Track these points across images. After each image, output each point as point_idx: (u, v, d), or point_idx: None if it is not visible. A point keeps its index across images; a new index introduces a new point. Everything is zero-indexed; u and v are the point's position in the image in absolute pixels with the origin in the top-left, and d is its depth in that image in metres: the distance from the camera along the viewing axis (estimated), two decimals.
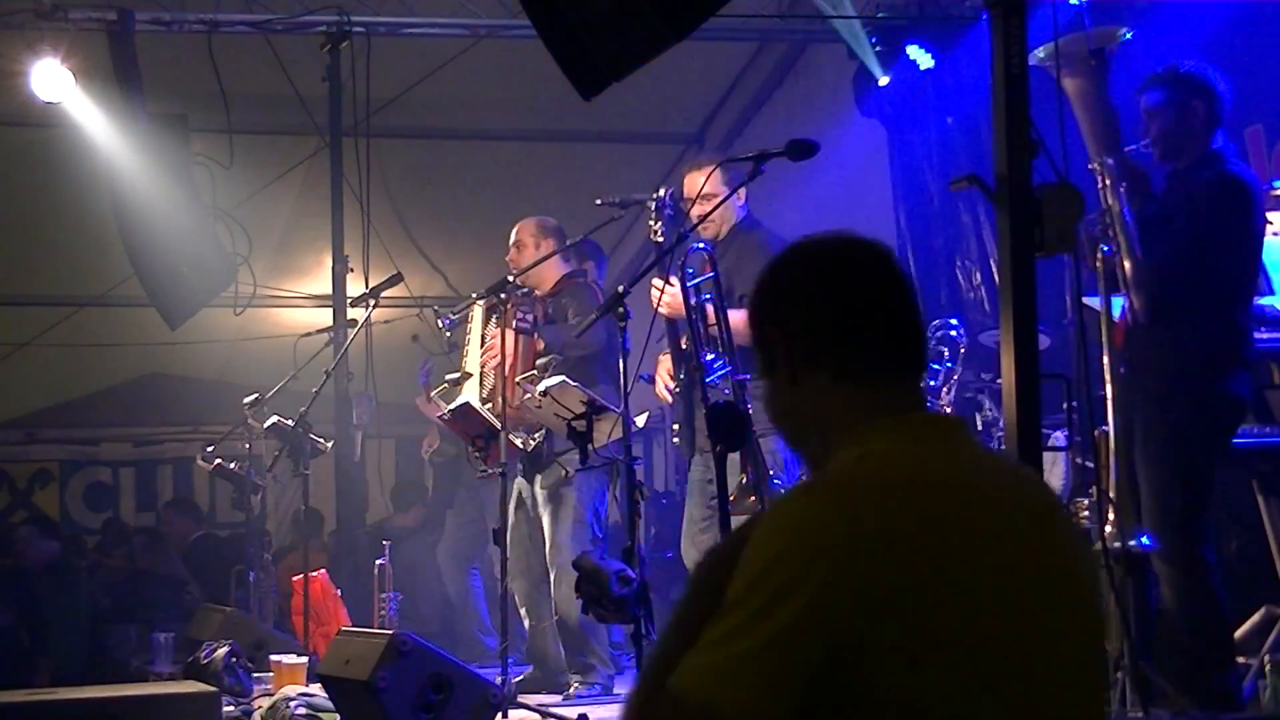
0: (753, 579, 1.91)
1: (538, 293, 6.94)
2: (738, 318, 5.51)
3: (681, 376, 5.86)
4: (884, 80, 8.48)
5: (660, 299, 5.66)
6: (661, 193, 5.55)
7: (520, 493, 6.87)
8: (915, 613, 1.88)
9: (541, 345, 6.69)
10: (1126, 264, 4.93)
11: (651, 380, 6.34)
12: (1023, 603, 1.97)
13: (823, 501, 1.95)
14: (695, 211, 5.66)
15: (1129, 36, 5.32)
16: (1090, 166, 5.04)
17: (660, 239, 5.45)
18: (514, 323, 6.54)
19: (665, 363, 5.97)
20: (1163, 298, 4.94)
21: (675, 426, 6.17)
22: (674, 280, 5.49)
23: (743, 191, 5.99)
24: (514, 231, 7.02)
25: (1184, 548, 4.94)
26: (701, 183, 5.68)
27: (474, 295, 6.83)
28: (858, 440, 2.07)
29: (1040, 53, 4.82)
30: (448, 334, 6.93)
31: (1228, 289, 5.04)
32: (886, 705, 1.88)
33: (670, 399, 5.97)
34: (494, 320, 6.73)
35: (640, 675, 2.07)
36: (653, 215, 5.51)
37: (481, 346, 6.88)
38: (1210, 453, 5.01)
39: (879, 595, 1.87)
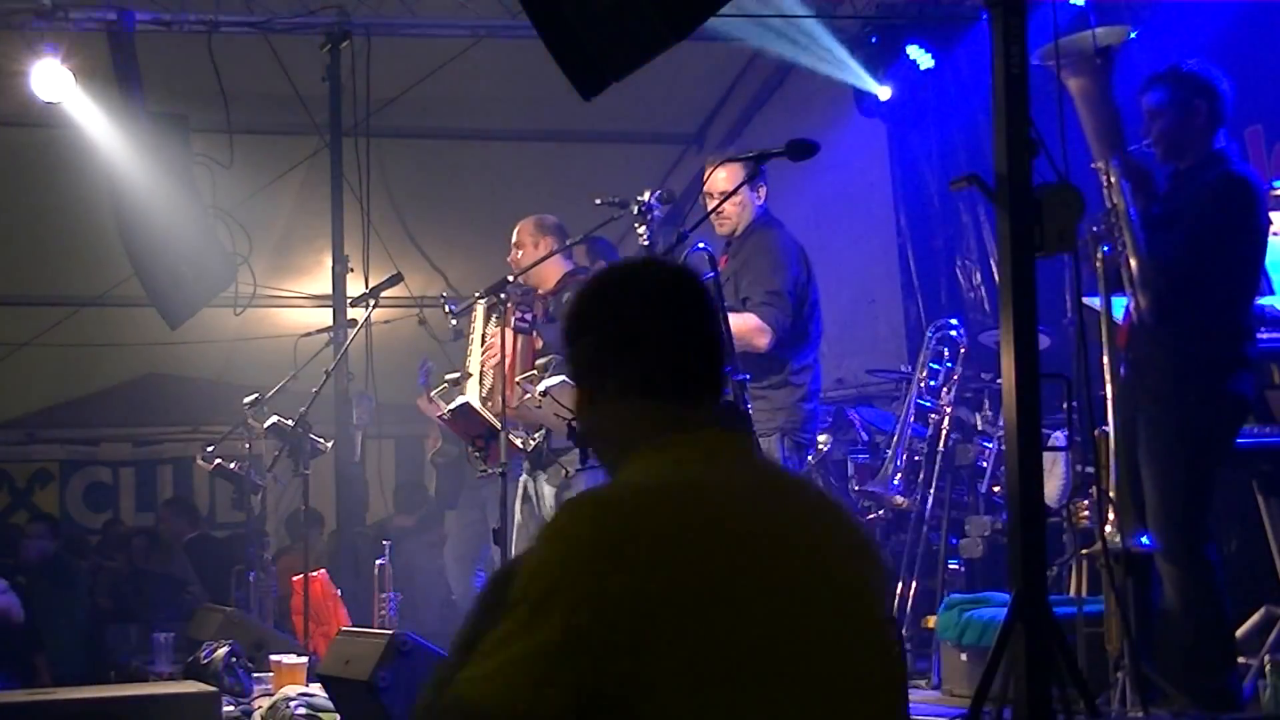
0: (523, 588, 2.01)
1: (540, 291, 6.94)
2: (737, 320, 5.52)
3: None
4: (886, 94, 8.48)
5: None
6: (646, 196, 5.55)
7: (526, 489, 6.87)
8: (670, 618, 1.96)
9: (540, 344, 6.69)
10: (1133, 263, 4.93)
11: None
12: (781, 611, 2.03)
13: (583, 514, 2.04)
14: (711, 207, 5.69)
15: (1134, 36, 5.33)
16: (1094, 166, 5.04)
17: (646, 243, 5.45)
18: (513, 321, 6.54)
19: None
20: (1168, 298, 4.94)
21: None
22: None
23: (763, 190, 6.02)
24: (514, 233, 7.02)
25: (1187, 547, 4.94)
26: (722, 177, 5.70)
27: (475, 294, 6.83)
28: (642, 456, 2.17)
29: (1044, 52, 4.82)
30: (453, 321, 6.94)
31: (1232, 289, 5.04)
32: (651, 707, 1.96)
33: None
34: (494, 319, 6.73)
35: (425, 685, 2.15)
36: (638, 219, 5.51)
37: (482, 346, 6.88)
38: (1214, 452, 5.01)
39: (634, 602, 1.96)
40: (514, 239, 7.01)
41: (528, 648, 1.96)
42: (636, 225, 5.49)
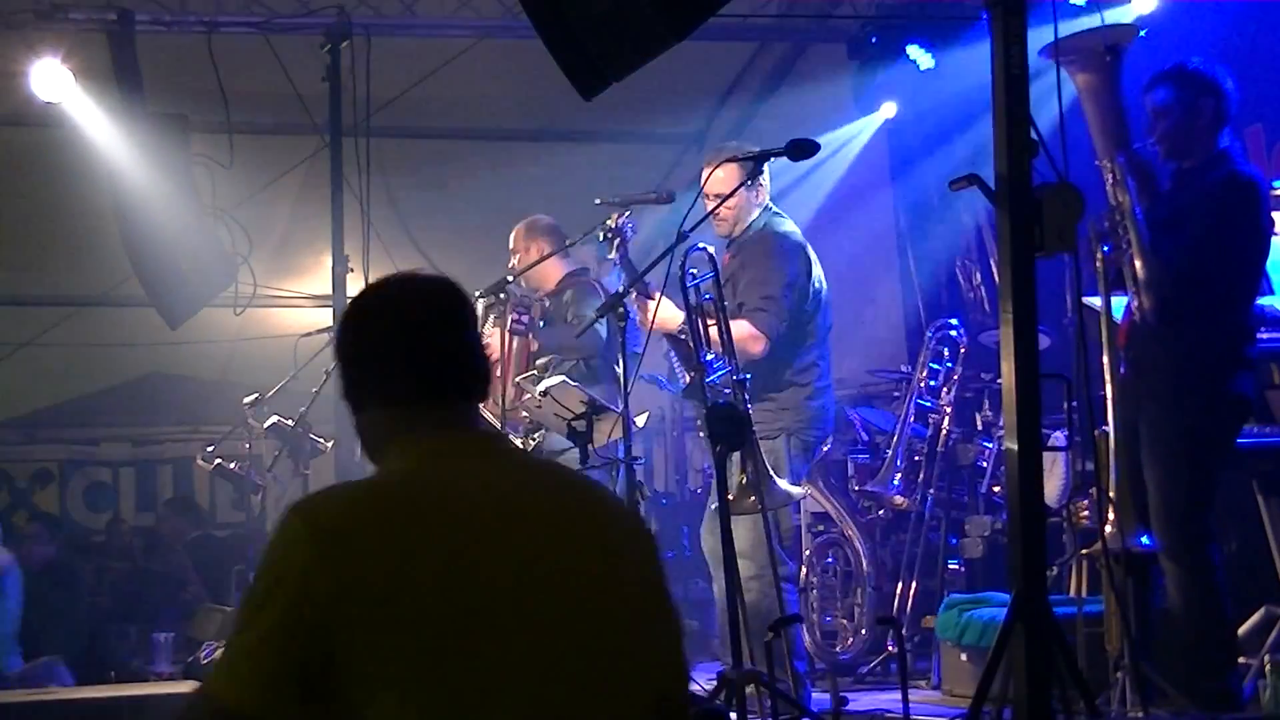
0: (254, 580, 2.19)
1: (540, 292, 6.94)
2: (734, 328, 5.51)
3: (693, 372, 5.86)
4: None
5: (650, 316, 5.62)
6: (613, 222, 5.56)
7: None
8: (374, 603, 2.10)
9: (536, 346, 6.68)
10: (1137, 263, 4.92)
11: (654, 381, 6.33)
12: (495, 595, 2.16)
13: (298, 514, 2.18)
14: (709, 204, 5.67)
15: (1143, 34, 5.34)
16: (1099, 163, 5.03)
17: (616, 261, 5.47)
18: (509, 324, 6.54)
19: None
20: (1173, 298, 4.93)
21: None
22: (656, 295, 5.47)
23: (763, 190, 6.00)
24: (510, 239, 7.04)
25: (1189, 547, 4.94)
26: (720, 178, 5.68)
27: (475, 293, 6.82)
28: (385, 459, 2.34)
29: (1051, 47, 4.83)
30: None
31: (1235, 290, 5.04)
32: (369, 688, 2.10)
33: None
34: (493, 320, 6.72)
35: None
36: (611, 246, 5.53)
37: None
38: (1216, 452, 5.02)
39: (340, 590, 2.10)
40: (510, 245, 7.02)
41: (253, 639, 2.13)
42: (610, 255, 5.50)
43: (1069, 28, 5.62)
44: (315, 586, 2.11)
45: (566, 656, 2.17)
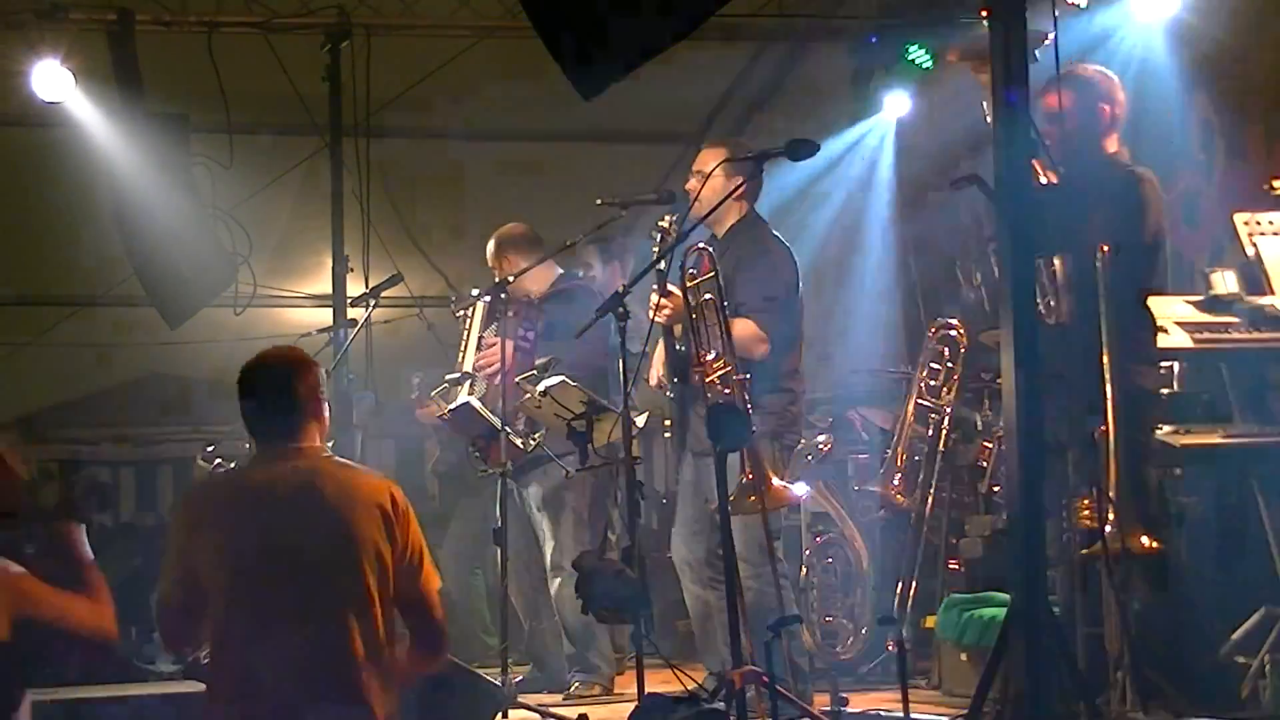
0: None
1: (533, 295, 6.92)
2: (737, 328, 5.50)
3: (675, 380, 5.85)
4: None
5: (658, 309, 5.63)
6: (666, 223, 5.54)
7: (514, 492, 6.86)
8: (201, 547, 3.87)
9: (539, 362, 6.65)
10: (1056, 264, 4.90)
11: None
12: (260, 555, 3.81)
13: (184, 490, 4.43)
14: (691, 186, 5.66)
15: (1049, 41, 5.36)
16: (963, 181, 5.03)
17: (662, 266, 5.45)
18: (515, 340, 6.52)
19: (659, 364, 5.95)
20: (1082, 298, 4.90)
21: (667, 422, 6.17)
22: (673, 288, 5.47)
23: (753, 188, 5.96)
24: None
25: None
26: (712, 167, 5.67)
27: (475, 292, 6.82)
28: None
29: (963, 51, 4.86)
30: (458, 313, 6.95)
31: (1139, 286, 5.03)
32: (208, 592, 3.87)
33: (666, 389, 5.95)
34: (493, 327, 6.69)
35: None
36: (656, 242, 5.51)
37: (478, 348, 6.85)
38: (1139, 449, 4.99)
39: (188, 535, 3.93)
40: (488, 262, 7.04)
41: (165, 562, 3.97)
42: (656, 247, 5.50)
43: (1067, 28, 5.61)
44: (179, 532, 3.97)
45: (290, 584, 3.78)
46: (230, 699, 3.78)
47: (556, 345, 6.62)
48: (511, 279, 6.71)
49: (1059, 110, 5.11)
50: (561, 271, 7.09)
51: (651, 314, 5.65)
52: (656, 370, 5.96)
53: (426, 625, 3.99)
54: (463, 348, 6.95)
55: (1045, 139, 5.08)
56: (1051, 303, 4.95)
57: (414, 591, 3.93)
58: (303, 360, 4.05)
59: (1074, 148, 5.12)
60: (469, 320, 6.91)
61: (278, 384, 3.95)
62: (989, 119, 4.94)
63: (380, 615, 3.80)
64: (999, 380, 5.43)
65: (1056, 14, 4.52)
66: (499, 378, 6.50)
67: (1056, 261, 4.92)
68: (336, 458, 4.11)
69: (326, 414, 4.06)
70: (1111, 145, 5.13)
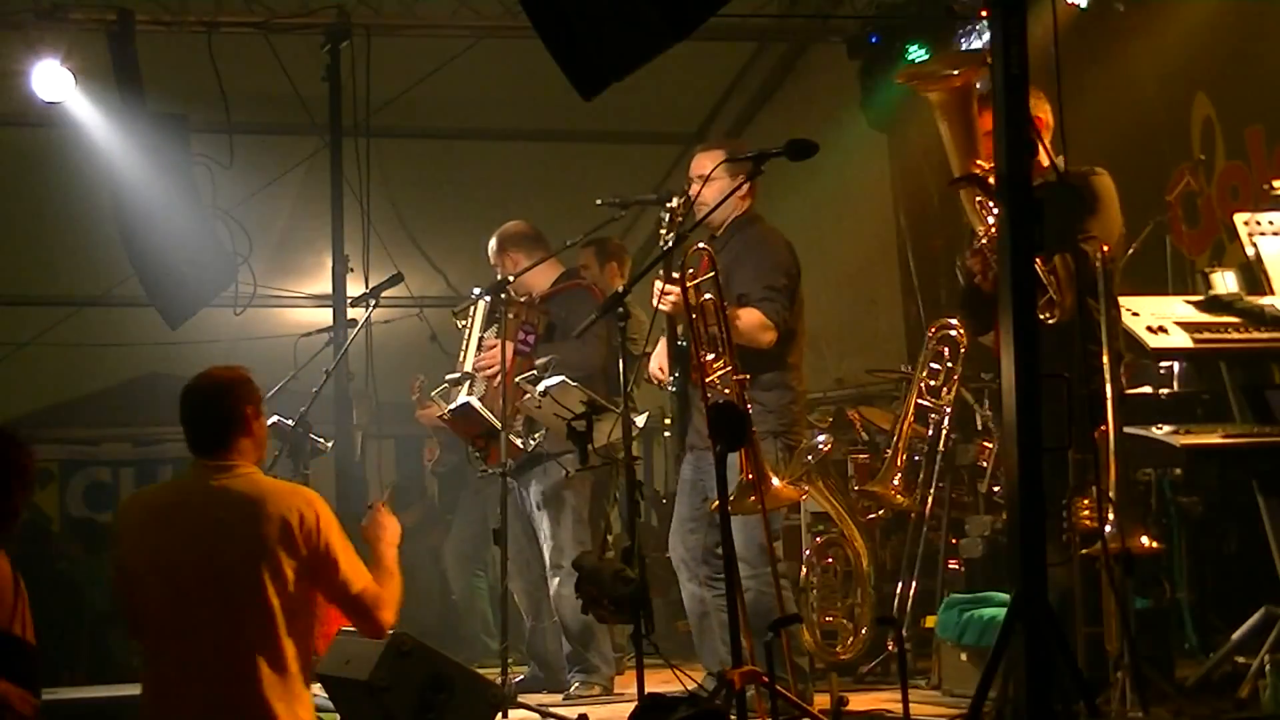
0: None
1: (534, 294, 6.92)
2: (743, 316, 5.49)
3: (676, 374, 5.84)
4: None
5: (663, 296, 5.62)
6: (675, 203, 5.51)
7: (515, 490, 6.85)
8: (125, 554, 4.11)
9: (539, 362, 6.64)
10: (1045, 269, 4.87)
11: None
12: (167, 568, 4.01)
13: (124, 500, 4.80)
14: (693, 191, 5.64)
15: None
16: (957, 184, 4.99)
17: (670, 246, 5.41)
18: (515, 343, 6.51)
19: (660, 355, 5.94)
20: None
21: (667, 421, 6.16)
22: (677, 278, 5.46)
23: (746, 186, 5.93)
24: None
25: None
26: (711, 169, 5.65)
27: (476, 292, 6.80)
28: None
29: (910, 73, 4.85)
30: (460, 324, 6.94)
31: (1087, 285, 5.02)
32: (134, 590, 4.08)
33: (664, 380, 5.94)
34: (494, 329, 6.68)
35: None
36: (665, 224, 5.48)
37: (479, 349, 6.84)
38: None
39: (117, 541, 4.16)
40: (489, 260, 7.03)
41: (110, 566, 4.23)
42: (664, 229, 5.47)
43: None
44: (113, 538, 4.18)
45: (194, 595, 3.97)
46: (147, 705, 4.03)
47: (556, 345, 6.62)
48: (512, 278, 6.70)
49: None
50: (565, 269, 7.09)
51: (656, 301, 5.64)
52: (657, 362, 5.94)
53: (362, 622, 4.21)
54: (464, 348, 6.94)
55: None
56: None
57: (338, 595, 4.13)
58: (235, 379, 4.23)
59: None
60: (470, 320, 6.90)
61: (207, 401, 4.15)
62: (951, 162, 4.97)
63: (283, 625, 3.96)
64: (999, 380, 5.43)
65: (1056, 14, 4.51)
66: (498, 379, 6.49)
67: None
68: (259, 474, 4.20)
69: (261, 432, 4.21)
70: (1044, 159, 5.00)
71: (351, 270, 8.23)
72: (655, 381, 6.03)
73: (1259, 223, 5.67)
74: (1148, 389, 6.31)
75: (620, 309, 5.38)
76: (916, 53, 8.24)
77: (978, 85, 4.95)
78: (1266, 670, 4.98)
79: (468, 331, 6.91)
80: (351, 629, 4.39)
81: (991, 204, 4.78)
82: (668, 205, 5.47)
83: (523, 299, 6.80)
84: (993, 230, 4.79)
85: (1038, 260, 4.49)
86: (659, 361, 5.93)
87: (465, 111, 10.05)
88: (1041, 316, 4.89)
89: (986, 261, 4.91)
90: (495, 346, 6.52)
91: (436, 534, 9.48)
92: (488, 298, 6.71)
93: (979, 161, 4.89)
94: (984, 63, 5.07)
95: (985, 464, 7.06)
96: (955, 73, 4.96)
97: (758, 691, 4.59)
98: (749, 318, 5.65)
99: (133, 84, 7.92)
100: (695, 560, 5.92)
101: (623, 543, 5.17)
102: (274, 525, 3.98)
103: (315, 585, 4.06)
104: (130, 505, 4.34)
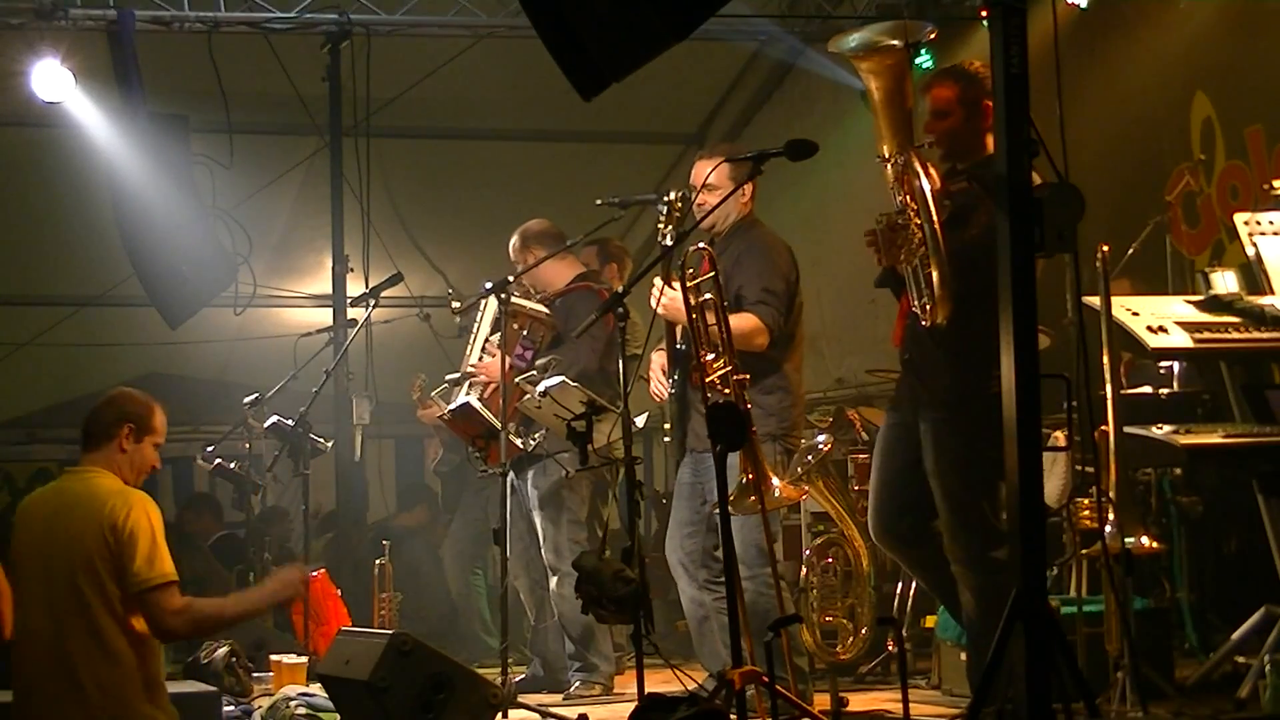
0: None
1: (548, 292, 6.91)
2: (736, 320, 5.48)
3: (675, 377, 5.84)
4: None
5: (659, 299, 5.63)
6: (672, 196, 5.49)
7: (512, 483, 6.83)
8: (13, 551, 4.52)
9: (539, 363, 6.63)
10: (933, 263, 4.85)
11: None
12: (29, 561, 4.47)
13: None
14: (697, 200, 5.64)
15: (934, 35, 5.37)
16: (884, 159, 4.99)
17: (670, 242, 5.39)
18: (513, 356, 6.50)
19: (660, 360, 5.94)
20: (963, 299, 4.85)
21: (667, 425, 6.15)
22: (674, 282, 5.45)
23: (748, 189, 5.93)
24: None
25: (982, 552, 4.91)
26: (708, 172, 5.65)
27: (485, 287, 6.75)
28: None
29: (852, 41, 4.85)
30: (458, 319, 6.92)
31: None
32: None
33: (665, 397, 5.94)
34: (497, 336, 6.66)
35: None
36: (663, 218, 5.47)
37: (482, 350, 6.84)
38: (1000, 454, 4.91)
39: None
40: (511, 256, 7.01)
41: None
42: (661, 224, 5.44)
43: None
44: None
45: (34, 590, 4.42)
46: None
47: (558, 350, 6.63)
48: (512, 278, 6.69)
49: (945, 105, 5.09)
50: (584, 271, 7.06)
51: (654, 303, 5.64)
52: (656, 377, 5.93)
53: (148, 621, 4.44)
54: (469, 345, 6.92)
55: (928, 134, 5.08)
56: (928, 305, 4.91)
57: (128, 587, 4.40)
58: (124, 398, 4.77)
59: (956, 144, 5.10)
60: (479, 315, 6.89)
61: (93, 411, 4.67)
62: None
63: (102, 621, 4.37)
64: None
65: (1056, 14, 4.50)
66: (490, 389, 6.51)
67: (933, 260, 4.85)
68: (105, 478, 4.54)
69: (136, 455, 4.66)
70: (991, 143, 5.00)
71: (351, 270, 8.24)
72: (655, 398, 6.03)
73: (1259, 223, 5.67)
74: (1148, 389, 6.31)
75: (620, 309, 5.37)
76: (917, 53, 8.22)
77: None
78: (1266, 670, 4.98)
79: (475, 328, 6.91)
80: (351, 629, 4.41)
81: (905, 187, 4.90)
82: (665, 199, 5.47)
83: (536, 297, 6.80)
84: (894, 214, 4.95)
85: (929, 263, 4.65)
86: (659, 376, 5.91)
87: (465, 111, 10.04)
88: (924, 322, 4.92)
89: (876, 241, 4.97)
90: (495, 356, 6.50)
91: (439, 533, 9.48)
92: (498, 295, 6.69)
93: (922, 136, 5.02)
94: (926, 31, 5.14)
95: None
96: (895, 43, 4.95)
97: (758, 691, 4.59)
98: (743, 321, 5.65)
99: (133, 84, 7.92)
100: (694, 564, 5.92)
101: (622, 542, 5.16)
102: (96, 527, 4.39)
103: (117, 576, 4.38)
104: (18, 506, 4.75)
